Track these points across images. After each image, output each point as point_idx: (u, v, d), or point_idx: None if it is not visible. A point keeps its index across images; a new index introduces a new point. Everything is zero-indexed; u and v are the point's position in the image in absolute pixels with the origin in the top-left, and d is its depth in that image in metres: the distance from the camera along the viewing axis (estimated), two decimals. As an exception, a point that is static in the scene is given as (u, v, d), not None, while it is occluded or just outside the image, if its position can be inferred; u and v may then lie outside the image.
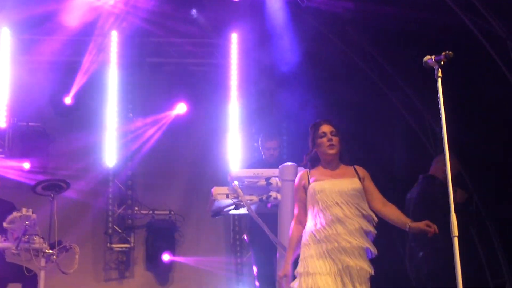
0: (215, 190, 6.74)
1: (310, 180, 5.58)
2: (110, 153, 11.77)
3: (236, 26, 11.91)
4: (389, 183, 11.72)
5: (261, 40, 11.40)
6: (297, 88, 10.87)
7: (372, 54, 11.10)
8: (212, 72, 12.49)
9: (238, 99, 12.12)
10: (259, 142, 8.56)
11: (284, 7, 10.79)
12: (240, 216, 11.25)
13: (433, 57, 5.11)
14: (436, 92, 5.08)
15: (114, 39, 12.00)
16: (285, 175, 6.38)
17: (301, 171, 5.84)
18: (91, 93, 11.91)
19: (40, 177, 9.70)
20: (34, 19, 11.08)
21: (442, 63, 5.06)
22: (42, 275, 7.87)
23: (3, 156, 11.25)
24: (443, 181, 7.98)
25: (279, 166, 6.57)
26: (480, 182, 10.35)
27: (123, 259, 11.85)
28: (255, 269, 8.05)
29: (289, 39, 10.76)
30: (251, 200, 6.59)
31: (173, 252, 11.76)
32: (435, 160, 8.19)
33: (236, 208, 6.77)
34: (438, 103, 5.06)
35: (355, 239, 5.33)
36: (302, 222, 5.59)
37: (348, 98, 10.96)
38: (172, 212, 11.97)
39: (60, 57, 11.81)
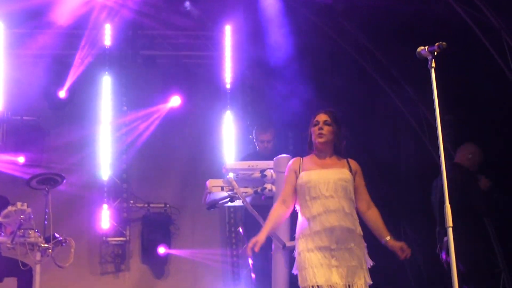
0: (210, 182, 6.74)
1: (301, 168, 5.61)
2: (105, 146, 11.78)
3: (229, 18, 11.90)
4: (382, 174, 11.77)
5: (254, 31, 11.38)
6: (291, 80, 10.86)
7: (366, 46, 11.10)
8: (206, 64, 12.49)
9: (232, 91, 12.12)
10: (253, 135, 8.55)
11: (278, -1, 10.80)
12: (235, 208, 11.27)
13: (426, 47, 5.11)
14: (431, 83, 5.08)
15: (107, 32, 11.98)
16: (280, 167, 6.36)
17: (295, 158, 5.84)
18: (85, 86, 11.91)
19: (35, 171, 9.69)
20: (27, 12, 11.06)
21: (435, 53, 5.06)
22: (37, 269, 7.85)
23: (-3, 150, 11.24)
24: (468, 168, 8.03)
25: (274, 158, 6.56)
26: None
27: (118, 252, 11.86)
28: (250, 261, 8.05)
29: (283, 31, 10.74)
30: (246, 192, 6.58)
31: (168, 245, 11.77)
32: (460, 148, 8.20)
33: (231, 200, 6.76)
34: (432, 94, 5.05)
35: (345, 228, 5.34)
36: (286, 202, 5.61)
37: (343, 89, 10.95)
38: (168, 205, 11.98)
39: (54, 51, 11.80)
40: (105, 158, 11.75)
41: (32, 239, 7.77)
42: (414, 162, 10.95)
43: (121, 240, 11.80)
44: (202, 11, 11.73)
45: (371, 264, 5.52)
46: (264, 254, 7.25)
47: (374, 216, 5.63)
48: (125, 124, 12.00)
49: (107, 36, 11.99)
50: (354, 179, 5.58)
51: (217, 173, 7.23)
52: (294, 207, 5.69)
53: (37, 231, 7.84)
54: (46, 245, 7.81)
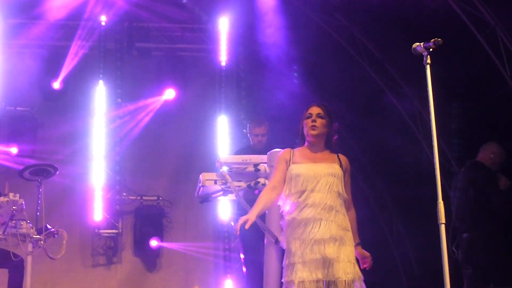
0: (203, 176, 6.72)
1: (292, 160, 5.56)
2: (99, 138, 11.76)
3: (225, 11, 11.89)
4: (375, 170, 11.79)
5: (250, 25, 11.38)
6: (286, 73, 10.86)
7: (361, 40, 11.10)
8: (201, 57, 12.48)
9: (226, 84, 12.11)
10: (247, 129, 8.54)
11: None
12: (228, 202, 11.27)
13: (422, 44, 5.10)
14: (425, 78, 5.07)
15: (102, 24, 11.95)
16: (273, 162, 6.33)
17: (287, 148, 5.77)
18: (79, 78, 11.89)
19: (28, 162, 9.67)
20: (22, 3, 11.04)
21: (431, 50, 5.05)
22: (29, 260, 7.83)
23: (-10, 140, 11.22)
24: (490, 167, 8.02)
25: (268, 152, 6.55)
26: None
27: (111, 244, 11.85)
28: (242, 255, 8.05)
29: (278, 25, 10.73)
30: (239, 186, 6.56)
31: (161, 237, 11.76)
32: (483, 147, 8.17)
33: (224, 194, 6.75)
34: (426, 89, 5.05)
35: (334, 223, 5.31)
36: (276, 188, 5.54)
37: (337, 83, 10.96)
38: (160, 198, 11.97)
39: (49, 42, 11.80)
40: (98, 150, 11.74)
41: (24, 230, 7.75)
42: (408, 158, 10.96)
43: (113, 233, 11.78)
44: (198, 4, 11.72)
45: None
46: (256, 248, 7.27)
47: (351, 219, 5.55)
48: (119, 116, 11.98)
49: (103, 28, 11.96)
50: (343, 175, 5.52)
51: (211, 167, 7.21)
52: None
53: (29, 222, 7.82)
54: (38, 236, 7.78)
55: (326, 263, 5.21)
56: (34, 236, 7.77)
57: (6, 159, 10.94)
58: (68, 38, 11.77)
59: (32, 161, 9.97)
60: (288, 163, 5.56)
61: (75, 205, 11.49)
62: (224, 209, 11.41)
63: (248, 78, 12.19)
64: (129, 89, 12.11)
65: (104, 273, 11.84)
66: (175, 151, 12.11)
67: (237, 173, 6.60)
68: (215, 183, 6.66)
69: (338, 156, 5.61)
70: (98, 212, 11.56)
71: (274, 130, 8.29)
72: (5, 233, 7.66)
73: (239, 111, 12.07)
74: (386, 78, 11.04)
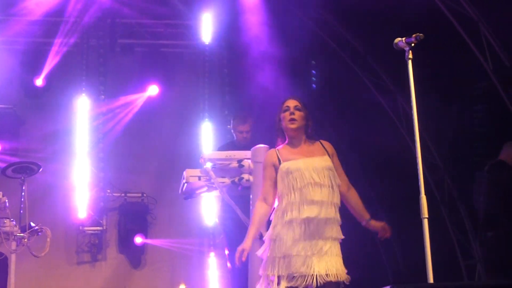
0: (187, 172, 6.71)
1: (281, 159, 5.40)
2: (82, 135, 11.72)
3: (208, 7, 11.87)
4: (360, 165, 11.81)
5: (233, 21, 11.36)
6: (269, 69, 10.85)
7: (345, 36, 11.11)
8: (184, 53, 12.46)
9: (210, 80, 12.11)
10: (231, 125, 8.52)
11: (257, -12, 10.78)
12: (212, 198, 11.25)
13: (403, 39, 5.11)
14: (408, 74, 5.09)
15: (85, 19, 11.89)
16: (257, 157, 6.34)
17: (269, 150, 5.64)
18: (62, 75, 11.84)
19: (11, 160, 9.62)
20: (2, -1, 10.97)
21: (412, 45, 5.07)
22: (13, 258, 7.80)
23: (-28, 138, 11.16)
24: None
25: (251, 148, 6.54)
26: (452, 163, 10.43)
27: (95, 241, 11.82)
28: (226, 251, 8.05)
29: (261, 21, 10.72)
30: (223, 182, 6.57)
31: (145, 234, 11.75)
32: (507, 144, 7.99)
33: (209, 190, 6.75)
34: (409, 85, 5.06)
35: (330, 218, 5.26)
36: (267, 200, 5.41)
37: (321, 79, 10.97)
38: (145, 195, 11.96)
39: (30, 39, 11.73)
40: (82, 147, 11.69)
41: (7, 228, 7.72)
42: (392, 153, 10.98)
43: (97, 230, 11.76)
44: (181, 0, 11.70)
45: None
46: (241, 244, 7.27)
47: (354, 197, 5.50)
48: (102, 113, 11.94)
49: (85, 24, 11.91)
50: (332, 162, 5.42)
51: (195, 163, 7.20)
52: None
53: (13, 220, 7.79)
54: (21, 234, 7.75)
55: (325, 253, 5.18)
56: (18, 234, 7.74)
57: (-12, 157, 10.89)
58: (50, 35, 11.71)
59: (15, 159, 9.91)
60: (276, 165, 5.42)
61: (59, 203, 11.44)
62: (209, 205, 11.39)
63: (232, 74, 12.18)
64: (112, 85, 12.09)
65: (88, 270, 11.82)
66: (159, 147, 12.09)
67: (221, 169, 6.60)
68: (199, 179, 6.66)
69: (321, 143, 5.52)
70: (82, 209, 11.52)
71: (258, 126, 8.28)
72: (-12, 231, 7.64)
73: (222, 107, 12.07)
74: (369, 73, 11.06)
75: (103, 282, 11.81)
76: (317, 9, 10.92)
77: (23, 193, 7.98)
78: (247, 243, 5.32)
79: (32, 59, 11.69)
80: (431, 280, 4.75)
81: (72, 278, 11.69)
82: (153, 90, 12.03)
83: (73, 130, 11.74)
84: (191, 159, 9.68)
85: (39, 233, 7.92)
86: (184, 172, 6.71)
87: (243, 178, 6.52)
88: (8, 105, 11.62)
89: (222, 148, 8.22)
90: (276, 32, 10.71)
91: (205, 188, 6.72)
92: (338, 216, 5.30)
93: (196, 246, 11.74)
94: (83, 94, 11.85)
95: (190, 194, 6.94)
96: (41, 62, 11.58)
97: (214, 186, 6.58)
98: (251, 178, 6.48)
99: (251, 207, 6.38)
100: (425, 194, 4.94)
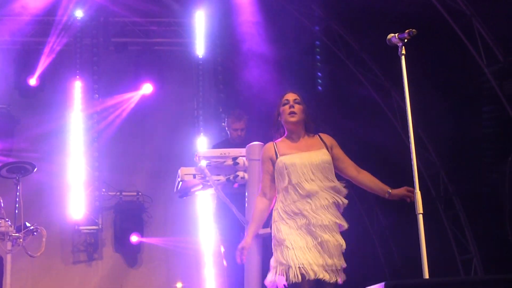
0: (182, 170, 6.70)
1: (278, 153, 5.38)
2: (76, 134, 11.70)
3: (201, 5, 11.87)
4: (356, 158, 11.79)
5: (226, 18, 11.35)
6: (263, 66, 10.84)
7: (337, 32, 11.11)
8: (178, 51, 12.45)
9: (204, 78, 12.10)
10: (226, 123, 8.51)
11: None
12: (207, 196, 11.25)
13: (396, 34, 5.10)
14: (401, 69, 5.08)
15: (78, 19, 11.88)
16: (252, 155, 6.33)
17: (267, 144, 5.59)
18: (56, 74, 11.82)
19: (5, 160, 9.61)
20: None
21: (405, 40, 5.06)
22: (8, 258, 7.77)
23: (-33, 139, 11.14)
24: None
25: (246, 146, 6.53)
26: (447, 158, 10.43)
27: (91, 241, 11.81)
28: (222, 248, 8.04)
29: (254, 17, 10.71)
30: (218, 180, 6.56)
31: (141, 233, 11.75)
32: None
33: (204, 188, 6.73)
34: (402, 80, 5.05)
35: (328, 213, 5.21)
36: (267, 195, 5.39)
37: (314, 75, 10.96)
38: (140, 193, 11.96)
39: (24, 38, 11.71)
40: (76, 146, 11.67)
41: (2, 229, 7.69)
42: (388, 150, 10.98)
43: (93, 229, 11.74)
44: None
45: (344, 248, 5.36)
46: (236, 241, 7.26)
47: (367, 176, 5.48)
48: (96, 111, 11.93)
49: (78, 23, 11.89)
50: (333, 154, 5.40)
51: (190, 161, 7.19)
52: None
53: (8, 221, 7.76)
54: (17, 234, 7.73)
55: (325, 248, 5.15)
56: (13, 234, 7.72)
57: (-17, 157, 10.86)
58: (43, 34, 11.70)
59: (9, 159, 9.91)
60: (273, 158, 5.39)
61: (54, 202, 11.42)
62: (204, 204, 11.39)
63: (226, 72, 12.17)
64: (106, 84, 12.07)
65: (85, 270, 11.81)
66: (153, 146, 12.08)
67: (216, 167, 6.58)
68: (194, 177, 6.64)
69: (320, 137, 5.50)
70: (77, 209, 11.51)
71: (253, 123, 8.27)
72: (-16, 232, 7.62)
73: (217, 105, 12.05)
74: (363, 68, 11.05)
75: (100, 281, 11.81)
76: (310, 5, 10.91)
77: (18, 193, 7.96)
78: (247, 240, 5.32)
79: (26, 59, 11.68)
80: (426, 275, 4.74)
81: (68, 277, 11.68)
82: (147, 88, 12.02)
83: (67, 129, 11.72)
84: (186, 157, 9.67)
85: (35, 233, 7.90)
86: (179, 171, 6.70)
87: (238, 175, 6.51)
88: (2, 105, 11.61)
89: (217, 146, 8.21)
90: (269, 29, 10.70)
91: (200, 186, 6.70)
92: (335, 211, 5.27)
93: (192, 244, 11.72)
94: (77, 93, 11.82)
95: (185, 193, 6.92)
96: (34, 62, 11.57)
97: (209, 184, 6.56)
98: (246, 175, 6.47)
99: (246, 205, 6.38)
100: (421, 190, 4.93)
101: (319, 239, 5.15)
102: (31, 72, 11.57)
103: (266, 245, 5.87)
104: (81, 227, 11.65)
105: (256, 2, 10.76)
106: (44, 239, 7.93)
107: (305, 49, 11.27)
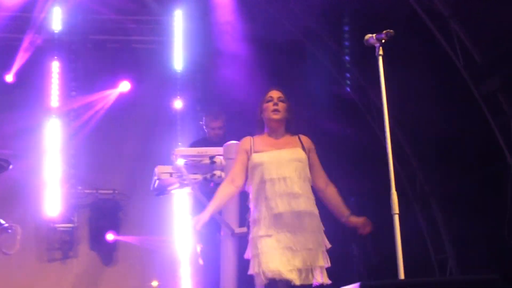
0: (159, 169, 6.69)
1: (253, 149, 5.34)
2: (53, 132, 11.64)
3: (180, 3, 11.85)
4: (333, 158, 11.82)
5: (204, 17, 11.34)
6: (241, 65, 10.84)
7: (316, 31, 11.12)
8: (156, 49, 12.42)
9: (182, 77, 12.08)
10: (203, 121, 8.49)
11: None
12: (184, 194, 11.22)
13: (374, 35, 5.12)
14: (378, 69, 5.09)
15: (56, 15, 11.83)
16: (229, 154, 6.32)
17: (246, 137, 5.53)
18: (32, 71, 11.74)
19: (-20, 157, 9.52)
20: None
21: (383, 41, 5.07)
22: (-18, 256, 7.75)
23: None
24: None
25: (223, 145, 6.53)
26: (424, 159, 10.48)
27: (66, 238, 11.76)
28: (199, 248, 8.03)
29: (233, 17, 10.71)
30: (195, 179, 6.55)
31: (117, 231, 11.72)
32: None
33: (181, 187, 6.72)
34: (379, 80, 5.07)
35: (302, 203, 5.17)
36: (234, 182, 5.31)
37: (292, 75, 10.97)
38: (116, 191, 11.92)
39: (0, 34, 11.60)
40: (53, 144, 11.61)
41: (-24, 226, 7.64)
42: (365, 149, 11.01)
43: (69, 227, 11.69)
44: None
45: (328, 247, 5.27)
46: (212, 240, 7.26)
47: (333, 194, 5.41)
48: (74, 109, 11.87)
49: (56, 19, 11.84)
50: (308, 157, 5.34)
51: (167, 159, 7.17)
52: (244, 188, 5.39)
53: (-18, 218, 7.71)
54: (-9, 232, 7.68)
55: (302, 251, 5.11)
56: (-13, 232, 7.67)
57: (-43, 154, 10.76)
58: (20, 30, 11.63)
59: (-16, 156, 9.82)
60: (249, 152, 5.34)
61: (30, 200, 11.35)
62: (180, 202, 11.36)
63: (204, 70, 12.15)
64: (84, 81, 12.01)
65: (60, 268, 11.75)
66: (130, 144, 12.02)
67: (193, 165, 6.58)
68: (171, 175, 6.63)
69: (299, 138, 5.44)
70: (53, 206, 11.45)
71: (230, 122, 8.26)
72: (-42, 229, 7.55)
73: (194, 103, 12.04)
74: (341, 68, 11.09)
75: (75, 279, 11.74)
76: (288, 5, 10.92)
77: (-8, 191, 7.92)
78: (204, 215, 5.22)
79: (2, 55, 11.59)
80: (402, 276, 4.76)
81: (43, 275, 11.60)
82: (124, 86, 12.00)
83: (44, 127, 11.65)
84: (163, 156, 9.64)
85: (9, 231, 7.83)
86: (156, 169, 6.69)
87: (215, 174, 6.52)
88: (-22, 102, 11.53)
89: (194, 144, 8.18)
90: (247, 29, 10.71)
91: (177, 185, 6.69)
92: (312, 207, 5.23)
93: (168, 243, 11.70)
94: (54, 90, 11.76)
95: (162, 191, 6.91)
96: (11, 58, 11.49)
97: (186, 182, 6.56)
98: (223, 174, 6.47)
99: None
100: (397, 190, 4.94)
101: (293, 239, 5.09)
102: (7, 69, 11.49)
103: (241, 245, 5.86)
104: (56, 225, 11.59)
105: (235, 2, 10.76)
106: (18, 237, 7.87)
107: (283, 48, 11.27)
